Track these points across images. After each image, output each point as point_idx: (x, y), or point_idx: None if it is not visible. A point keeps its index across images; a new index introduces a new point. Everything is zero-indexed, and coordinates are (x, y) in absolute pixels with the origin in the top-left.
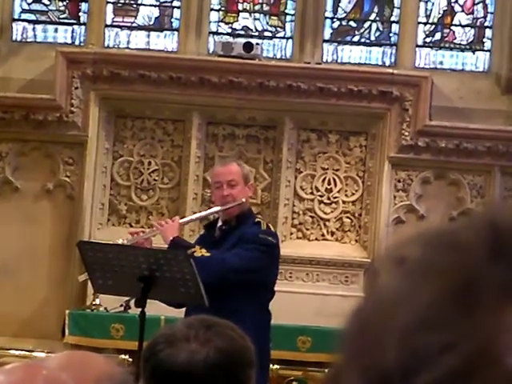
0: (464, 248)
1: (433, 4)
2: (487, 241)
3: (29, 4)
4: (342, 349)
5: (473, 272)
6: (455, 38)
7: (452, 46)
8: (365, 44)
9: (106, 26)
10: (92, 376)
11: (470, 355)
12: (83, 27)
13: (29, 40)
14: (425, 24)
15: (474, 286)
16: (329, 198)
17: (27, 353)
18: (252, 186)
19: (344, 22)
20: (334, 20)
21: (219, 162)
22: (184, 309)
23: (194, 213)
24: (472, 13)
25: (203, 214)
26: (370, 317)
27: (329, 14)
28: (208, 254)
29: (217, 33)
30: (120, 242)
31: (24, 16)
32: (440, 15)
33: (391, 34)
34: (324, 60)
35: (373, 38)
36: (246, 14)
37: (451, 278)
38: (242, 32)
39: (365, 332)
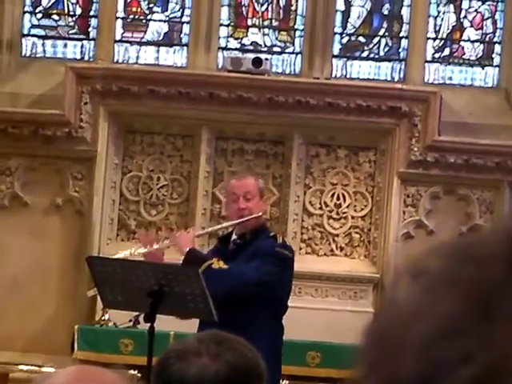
0: (484, 261)
1: (442, 19)
2: (506, 254)
3: (38, 19)
4: (360, 360)
5: (492, 285)
6: (464, 54)
7: (461, 61)
8: (374, 59)
9: (116, 41)
10: None
11: (488, 366)
12: (92, 42)
13: (38, 55)
14: (434, 39)
15: (493, 298)
16: (338, 214)
17: (36, 368)
18: (267, 200)
19: (353, 38)
20: (343, 35)
21: (230, 176)
22: (195, 324)
23: (203, 228)
24: (481, 28)
25: (219, 226)
26: (387, 328)
27: (338, 29)
28: (225, 267)
29: (226, 48)
30: (133, 250)
31: (33, 31)
32: (449, 31)
33: (400, 50)
34: (333, 75)
35: (382, 53)
36: (255, 30)
37: (471, 290)
38: (251, 47)
39: (382, 343)
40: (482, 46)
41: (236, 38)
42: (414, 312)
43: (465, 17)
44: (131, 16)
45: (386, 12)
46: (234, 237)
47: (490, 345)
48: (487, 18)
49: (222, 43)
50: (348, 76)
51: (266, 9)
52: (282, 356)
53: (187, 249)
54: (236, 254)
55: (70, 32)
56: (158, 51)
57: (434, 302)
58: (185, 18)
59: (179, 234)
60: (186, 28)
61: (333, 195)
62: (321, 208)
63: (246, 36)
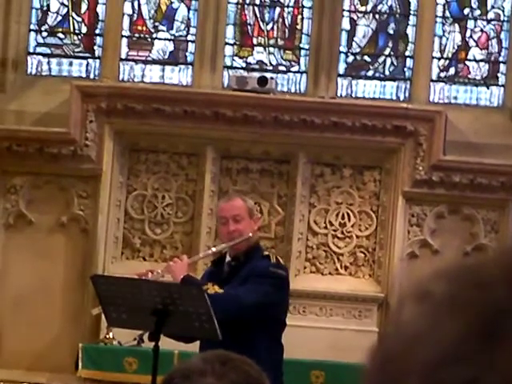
0: (488, 285)
1: (447, 39)
2: (511, 278)
3: (44, 38)
4: (364, 383)
5: (496, 309)
6: (469, 73)
7: (466, 80)
8: (379, 78)
9: (121, 59)
10: None
11: None
12: (98, 61)
13: (44, 73)
14: (439, 59)
15: (498, 322)
16: (342, 233)
17: None
18: (258, 219)
19: (358, 57)
20: (349, 54)
21: (223, 197)
22: (197, 343)
23: (208, 247)
24: (486, 48)
25: (210, 251)
26: (392, 351)
27: (343, 48)
28: (221, 291)
29: (231, 67)
30: None
31: (39, 50)
32: (454, 50)
33: (405, 69)
34: (338, 94)
35: (387, 72)
36: (261, 49)
37: (475, 314)
38: (257, 66)
39: (387, 367)
40: (487, 66)
41: (241, 57)
42: (419, 336)
43: (470, 36)
44: (137, 34)
45: (391, 31)
46: (227, 259)
47: (495, 369)
48: (492, 38)
49: (228, 62)
50: (353, 95)
51: (272, 28)
52: (283, 375)
53: (181, 277)
54: (230, 277)
55: (76, 50)
56: (163, 70)
57: (438, 326)
58: (190, 37)
59: (172, 262)
60: (191, 47)
61: (338, 214)
62: (325, 227)
63: (252, 55)
